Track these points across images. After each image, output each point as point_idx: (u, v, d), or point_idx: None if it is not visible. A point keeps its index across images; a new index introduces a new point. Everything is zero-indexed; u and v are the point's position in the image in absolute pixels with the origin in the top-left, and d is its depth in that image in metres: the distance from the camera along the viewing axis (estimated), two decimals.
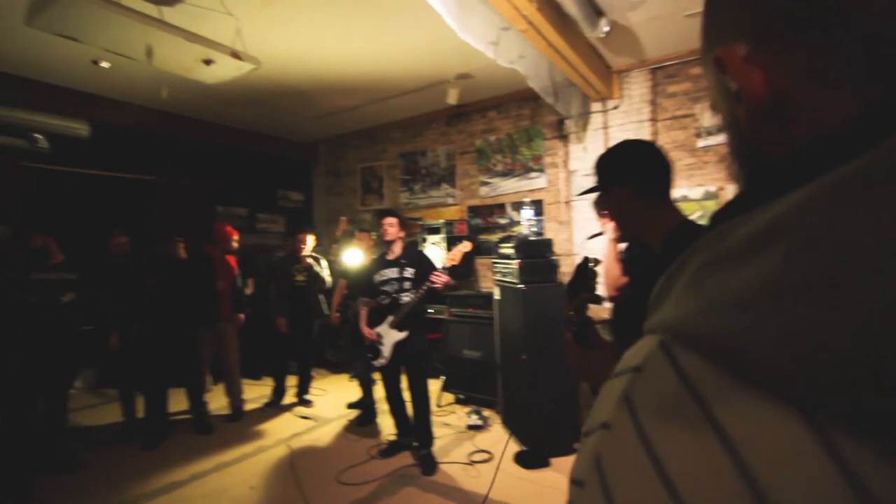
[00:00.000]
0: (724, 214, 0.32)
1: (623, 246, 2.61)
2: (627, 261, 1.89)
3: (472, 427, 3.97)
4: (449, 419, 4.21)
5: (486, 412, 4.19)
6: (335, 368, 6.05)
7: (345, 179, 8.02)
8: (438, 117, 6.74)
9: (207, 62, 2.98)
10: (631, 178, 1.23)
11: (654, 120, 5.06)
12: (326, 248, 6.69)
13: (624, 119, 5.15)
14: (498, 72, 4.75)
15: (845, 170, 0.25)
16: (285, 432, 4.03)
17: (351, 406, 4.58)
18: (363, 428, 4.12)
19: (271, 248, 6.75)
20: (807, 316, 0.23)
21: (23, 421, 3.23)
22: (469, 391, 4.54)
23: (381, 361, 3.43)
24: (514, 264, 3.60)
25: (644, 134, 5.03)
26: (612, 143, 5.43)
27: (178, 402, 4.10)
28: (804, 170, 0.28)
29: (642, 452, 0.27)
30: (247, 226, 7.18)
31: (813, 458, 0.22)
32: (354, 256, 4.54)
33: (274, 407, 4.59)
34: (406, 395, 3.57)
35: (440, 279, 3.25)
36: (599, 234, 2.72)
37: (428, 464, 3.29)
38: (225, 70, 3.16)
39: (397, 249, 3.50)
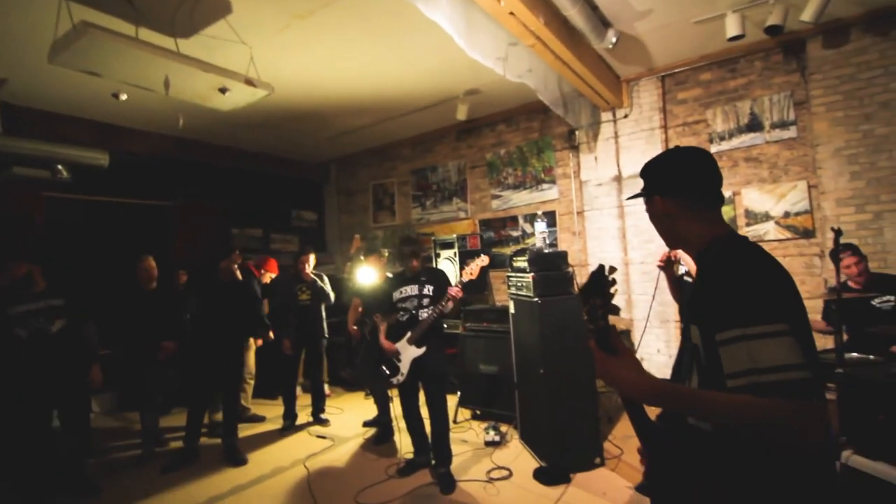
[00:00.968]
0: None
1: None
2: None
3: (489, 443, 3.92)
4: (466, 435, 4.17)
5: (504, 428, 4.14)
6: (350, 387, 6.05)
7: (356, 198, 8.10)
8: (448, 133, 6.80)
9: (223, 90, 3.06)
10: (673, 190, 1.20)
11: (664, 127, 5.04)
12: (340, 269, 6.74)
13: (634, 127, 5.14)
14: (506, 86, 4.79)
15: None
16: (302, 452, 4.02)
17: (367, 424, 4.56)
18: (380, 446, 4.09)
19: (286, 269, 6.83)
20: None
21: (33, 456, 3.22)
22: (486, 406, 4.49)
23: (398, 378, 3.42)
24: (529, 277, 3.57)
25: (655, 141, 5.01)
26: (622, 152, 5.44)
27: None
28: None
29: None
30: (261, 246, 7.28)
31: None
32: (369, 275, 4.57)
33: (287, 430, 4.59)
34: (423, 412, 3.55)
35: (455, 292, 3.28)
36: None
37: (446, 482, 3.25)
38: (239, 97, 3.25)
39: (417, 267, 3.52)
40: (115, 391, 5.29)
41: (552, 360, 3.41)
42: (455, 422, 4.37)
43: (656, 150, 4.98)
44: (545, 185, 5.97)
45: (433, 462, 3.45)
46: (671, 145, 5.03)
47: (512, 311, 4.01)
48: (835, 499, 1.00)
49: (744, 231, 4.57)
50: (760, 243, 1.27)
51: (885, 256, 3.90)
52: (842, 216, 4.05)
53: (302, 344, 4.73)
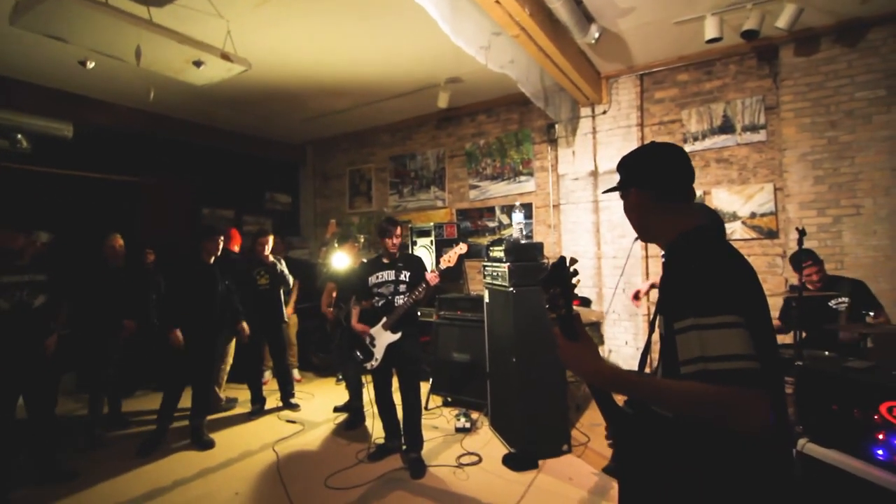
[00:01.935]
0: None
1: None
2: None
3: (460, 430, 3.96)
4: (437, 422, 4.20)
5: (475, 415, 4.20)
6: (322, 372, 6.01)
7: (333, 182, 7.99)
8: (428, 120, 6.76)
9: (197, 64, 2.95)
10: (649, 183, 1.23)
11: (641, 125, 5.14)
12: (314, 253, 6.64)
13: (612, 124, 5.22)
14: (488, 76, 4.78)
15: None
16: (271, 437, 3.98)
17: (337, 409, 4.55)
18: (351, 432, 4.09)
19: (243, 251, 6.70)
20: None
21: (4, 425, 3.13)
22: (457, 394, 4.54)
23: (372, 363, 3.42)
24: (505, 267, 3.61)
25: (632, 139, 5.10)
26: (600, 148, 5.51)
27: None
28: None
29: None
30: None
31: None
32: (344, 260, 4.52)
33: (256, 415, 4.53)
34: (395, 398, 3.56)
35: (432, 278, 3.30)
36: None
37: (417, 467, 3.29)
38: (215, 72, 3.14)
39: (394, 252, 3.50)
40: (74, 371, 5.12)
41: (524, 350, 3.46)
42: (427, 408, 4.41)
43: (633, 147, 5.05)
44: (523, 178, 6.02)
45: (404, 447, 3.48)
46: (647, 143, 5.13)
47: (486, 300, 4.05)
48: (789, 484, 1.06)
49: None
50: None
51: (843, 258, 4.10)
52: (804, 219, 4.22)
53: (262, 330, 4.60)
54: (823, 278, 3.45)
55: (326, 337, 5.16)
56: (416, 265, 3.55)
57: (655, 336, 1.26)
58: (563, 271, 1.14)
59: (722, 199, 4.73)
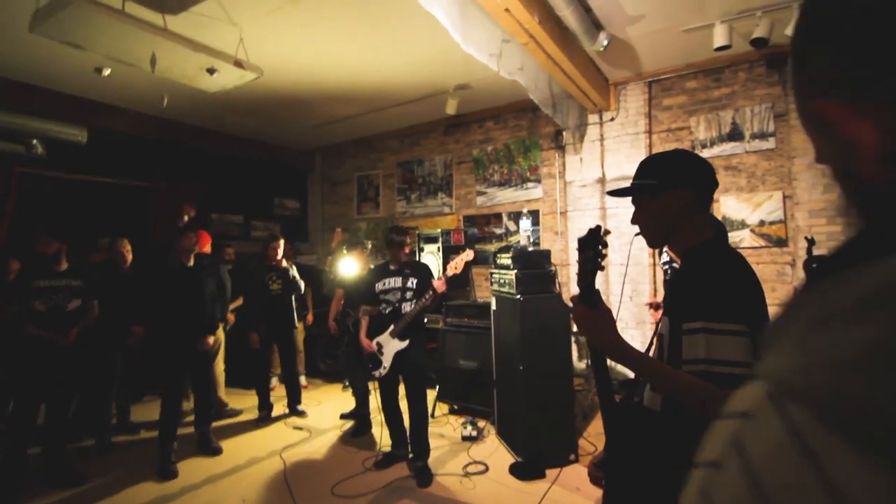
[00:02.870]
0: (838, 262, 0.33)
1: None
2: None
3: (466, 438, 3.94)
4: (444, 430, 4.19)
5: (481, 423, 4.17)
6: (328, 378, 6.01)
7: (341, 188, 8.03)
8: (436, 127, 6.79)
9: (210, 71, 2.99)
10: (694, 184, 1.22)
11: (649, 132, 5.13)
12: (321, 259, 6.67)
13: (620, 131, 5.22)
14: (496, 83, 4.80)
15: None
16: (278, 444, 3.98)
17: (344, 416, 4.54)
18: (358, 439, 4.08)
19: (254, 256, 6.74)
20: None
21: (26, 429, 3.19)
22: (464, 401, 4.52)
23: (381, 371, 3.41)
24: (512, 274, 3.60)
25: (640, 146, 5.09)
26: (607, 155, 5.46)
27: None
28: None
29: (751, 497, 0.28)
30: (241, 233, 7.16)
31: None
32: (351, 266, 4.53)
33: (263, 422, 4.53)
34: (402, 405, 3.55)
35: (439, 284, 3.28)
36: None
37: (423, 476, 3.27)
38: (227, 79, 3.18)
39: (402, 259, 3.49)
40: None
41: (531, 358, 3.45)
42: (433, 416, 4.39)
43: (641, 154, 5.07)
44: (530, 184, 6.02)
45: (411, 455, 3.46)
46: (655, 150, 5.12)
47: (493, 307, 4.04)
48: None
49: None
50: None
51: None
52: (814, 227, 4.19)
53: (273, 335, 4.61)
54: None
55: (333, 343, 5.15)
56: (424, 272, 3.54)
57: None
58: (597, 236, 1.22)
59: (730, 206, 4.71)
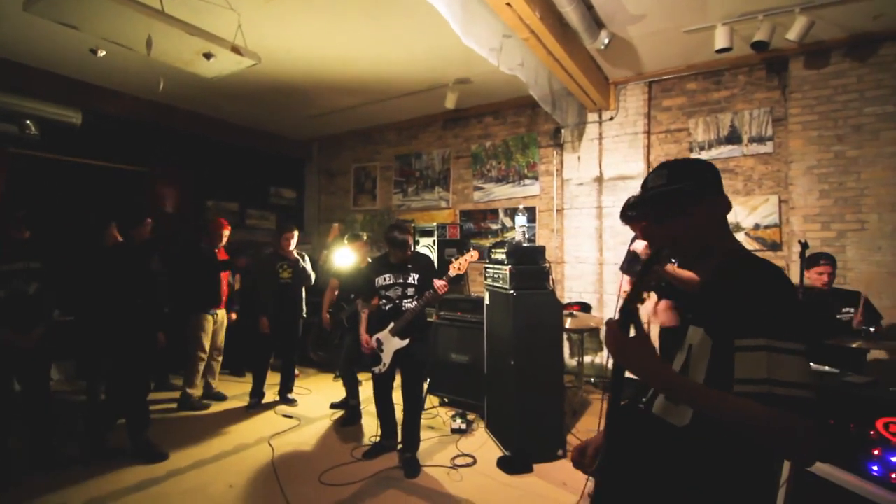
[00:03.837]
0: None
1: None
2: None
3: (455, 431, 3.96)
4: (433, 422, 4.20)
5: (471, 416, 4.19)
6: (320, 368, 6.02)
7: (338, 179, 8.00)
8: (435, 121, 6.77)
9: (207, 56, 2.96)
10: (721, 193, 1.16)
11: (648, 132, 5.13)
12: (317, 250, 6.66)
13: (619, 130, 5.22)
14: (497, 78, 4.79)
15: None
16: (267, 431, 3.99)
17: (334, 406, 4.55)
18: (347, 429, 4.10)
19: (260, 245, 6.71)
20: None
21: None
22: (454, 395, 4.53)
23: (380, 368, 3.37)
24: (506, 270, 3.61)
25: (638, 146, 5.10)
26: (605, 154, 5.45)
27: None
28: None
29: None
30: (236, 221, 7.12)
31: None
32: (347, 257, 4.52)
33: (253, 409, 4.54)
34: (395, 397, 3.55)
35: (441, 286, 3.20)
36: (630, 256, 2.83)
37: (411, 467, 3.28)
38: (224, 64, 3.15)
39: (403, 254, 3.39)
40: (73, 359, 5.12)
41: (523, 353, 3.46)
42: (423, 408, 4.40)
43: (639, 154, 5.07)
44: (528, 181, 6.02)
45: (400, 446, 3.47)
46: (653, 151, 5.13)
47: (487, 302, 4.05)
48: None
49: None
50: None
51: (846, 273, 4.09)
52: (808, 232, 4.21)
53: (280, 324, 4.61)
54: (831, 283, 3.47)
55: (325, 335, 5.16)
56: (425, 267, 3.45)
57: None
58: (657, 260, 1.13)
59: None
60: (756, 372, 0.95)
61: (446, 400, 4.64)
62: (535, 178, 5.95)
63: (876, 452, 1.85)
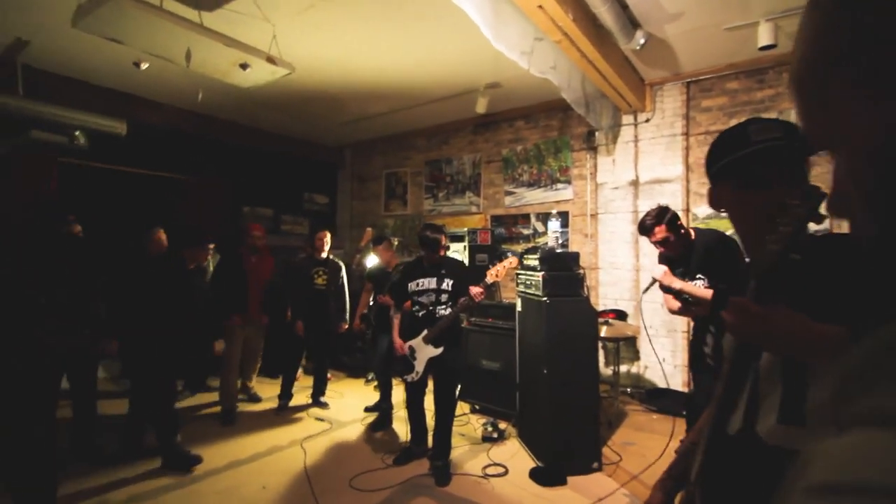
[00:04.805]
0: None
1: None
2: None
3: (487, 439, 3.90)
4: (464, 429, 4.16)
5: (503, 424, 4.12)
6: (352, 371, 6.06)
7: (369, 184, 8.09)
8: (465, 125, 6.75)
9: (244, 66, 3.04)
10: None
11: (686, 134, 4.96)
12: (349, 254, 6.73)
13: (655, 133, 5.07)
14: (528, 82, 4.73)
15: None
16: (300, 434, 4.03)
17: (368, 409, 4.57)
18: (378, 433, 4.10)
19: (294, 250, 6.84)
20: None
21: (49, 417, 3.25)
22: (485, 402, 4.48)
23: (413, 376, 3.34)
24: (539, 276, 3.54)
25: (676, 148, 4.94)
26: (641, 157, 5.30)
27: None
28: None
29: None
30: (271, 227, 7.29)
31: None
32: (375, 260, 4.56)
33: (282, 410, 4.60)
34: (427, 402, 3.53)
35: (477, 293, 3.12)
36: (652, 283, 2.66)
37: (442, 475, 3.25)
38: (260, 74, 3.22)
39: (437, 258, 3.35)
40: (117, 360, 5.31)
41: (556, 361, 3.38)
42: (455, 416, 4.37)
43: (677, 157, 4.91)
44: (560, 185, 5.92)
45: (431, 453, 3.44)
46: (692, 153, 4.95)
47: (519, 308, 3.98)
48: None
49: None
50: None
51: None
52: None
53: (313, 329, 4.64)
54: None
55: (356, 338, 5.19)
56: (460, 273, 3.39)
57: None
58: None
59: None
60: None
61: (477, 407, 4.59)
62: (568, 182, 5.85)
63: None
